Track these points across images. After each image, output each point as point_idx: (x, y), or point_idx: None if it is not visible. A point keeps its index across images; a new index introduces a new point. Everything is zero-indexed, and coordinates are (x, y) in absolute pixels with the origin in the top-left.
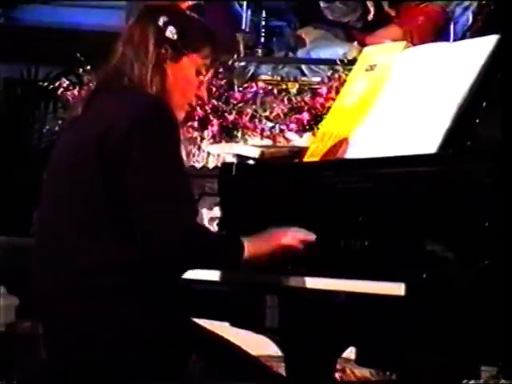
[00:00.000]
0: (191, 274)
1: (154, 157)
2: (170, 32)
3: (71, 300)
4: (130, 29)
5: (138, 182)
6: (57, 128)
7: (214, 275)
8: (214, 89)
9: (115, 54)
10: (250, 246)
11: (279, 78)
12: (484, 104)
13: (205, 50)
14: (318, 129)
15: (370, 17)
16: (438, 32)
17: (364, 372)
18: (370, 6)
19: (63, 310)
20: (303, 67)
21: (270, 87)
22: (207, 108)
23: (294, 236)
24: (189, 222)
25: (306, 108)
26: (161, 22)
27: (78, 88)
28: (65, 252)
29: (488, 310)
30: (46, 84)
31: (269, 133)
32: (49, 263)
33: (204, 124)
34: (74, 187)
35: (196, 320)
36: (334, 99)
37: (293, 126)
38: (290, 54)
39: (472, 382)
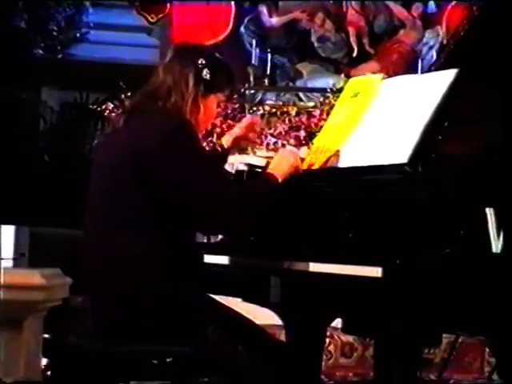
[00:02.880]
0: (212, 259)
1: (185, 155)
2: (206, 73)
3: (113, 282)
4: (172, 61)
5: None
6: None
7: (226, 260)
8: (229, 111)
9: (154, 80)
10: (276, 174)
11: (281, 103)
12: (446, 124)
13: (227, 91)
14: (312, 143)
15: (354, 54)
16: (409, 66)
17: (348, 338)
18: (354, 45)
19: (106, 289)
20: (301, 94)
21: (273, 110)
22: (224, 126)
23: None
24: (226, 192)
25: (302, 127)
26: (200, 63)
27: (120, 110)
28: (108, 245)
29: (448, 288)
30: (95, 107)
31: (273, 146)
32: (95, 253)
33: (220, 139)
34: (115, 191)
35: (214, 296)
36: (325, 120)
37: (292, 141)
38: (290, 84)
39: None
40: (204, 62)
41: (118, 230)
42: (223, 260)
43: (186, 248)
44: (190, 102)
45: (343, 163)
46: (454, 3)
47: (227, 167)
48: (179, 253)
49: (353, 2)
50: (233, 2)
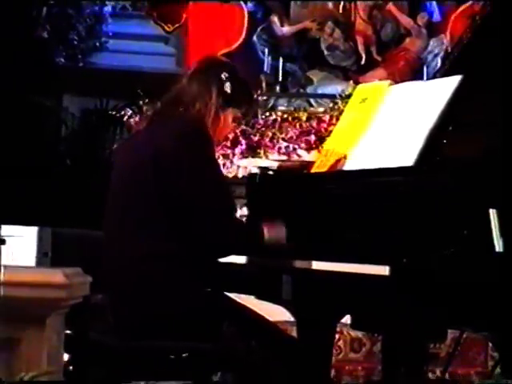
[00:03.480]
0: (227, 259)
1: (201, 165)
2: (227, 87)
3: (130, 280)
4: (197, 71)
5: (190, 186)
6: None
7: (243, 259)
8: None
9: (177, 88)
10: (269, 230)
11: (292, 109)
12: (450, 128)
13: (244, 107)
14: (322, 147)
15: (362, 62)
16: (414, 73)
17: (357, 333)
18: (362, 53)
19: (124, 287)
20: (311, 100)
21: (285, 115)
22: (237, 131)
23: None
24: (232, 216)
25: (313, 131)
26: (223, 76)
27: (138, 116)
28: (125, 243)
29: (452, 286)
30: (114, 113)
31: (284, 150)
32: (114, 251)
33: (235, 143)
34: (134, 190)
35: (230, 294)
36: (334, 124)
37: (303, 145)
38: (301, 90)
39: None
40: (227, 75)
41: (134, 229)
42: (238, 259)
43: (200, 247)
44: (212, 112)
45: (352, 166)
46: (457, 13)
47: (241, 170)
48: (193, 252)
49: (361, 12)
50: (246, 13)
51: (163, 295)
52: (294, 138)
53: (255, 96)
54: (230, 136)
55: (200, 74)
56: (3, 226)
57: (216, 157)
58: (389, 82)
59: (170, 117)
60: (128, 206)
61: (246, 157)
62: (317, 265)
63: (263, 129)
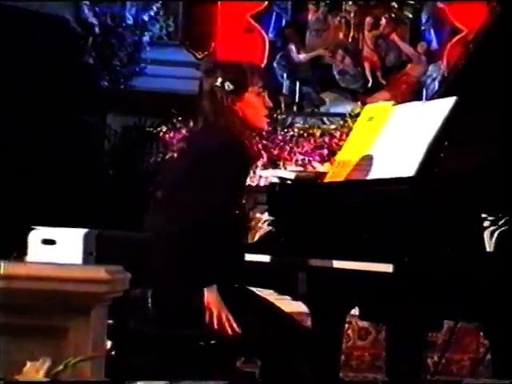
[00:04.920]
0: (250, 258)
1: (223, 178)
2: (228, 86)
3: (166, 275)
4: (202, 89)
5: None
6: (158, 159)
7: (266, 258)
8: (264, 133)
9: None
10: (210, 296)
11: (307, 126)
12: (446, 143)
13: (254, 81)
14: (334, 160)
15: (369, 85)
16: (415, 95)
17: (364, 324)
18: (369, 77)
19: (161, 283)
20: (324, 119)
21: (301, 132)
22: (260, 146)
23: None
24: (215, 214)
25: (325, 146)
26: (218, 83)
27: (172, 132)
28: (163, 236)
29: (448, 282)
30: (151, 130)
31: (301, 162)
32: (154, 246)
33: (258, 157)
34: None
35: (253, 288)
36: (344, 140)
37: (317, 158)
38: (315, 110)
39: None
40: (221, 79)
41: (173, 224)
42: (261, 258)
43: (230, 248)
44: (225, 112)
45: (359, 176)
46: (453, 42)
47: (263, 180)
48: (224, 250)
49: (368, 41)
50: (267, 41)
51: (193, 289)
52: (309, 151)
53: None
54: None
55: (204, 90)
56: (54, 228)
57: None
58: (392, 102)
59: (202, 130)
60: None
61: (267, 168)
62: (329, 263)
63: (282, 144)
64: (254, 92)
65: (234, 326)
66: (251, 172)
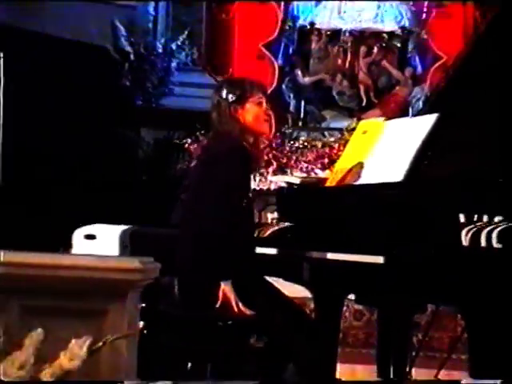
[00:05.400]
0: (262, 250)
1: (223, 178)
2: (231, 98)
3: (188, 264)
4: (211, 103)
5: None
6: (184, 166)
7: (275, 251)
8: (274, 145)
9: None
10: (225, 288)
11: (311, 139)
12: (429, 153)
13: (254, 92)
14: (333, 167)
15: (363, 104)
16: (402, 112)
17: (359, 307)
18: (363, 97)
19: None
20: (325, 133)
21: (305, 144)
22: (270, 155)
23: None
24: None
25: (326, 156)
26: (223, 95)
27: (195, 144)
28: (187, 229)
29: (431, 272)
30: (178, 141)
31: (305, 169)
32: (180, 239)
33: (268, 164)
34: (192, 194)
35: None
36: (342, 151)
37: (319, 166)
38: (317, 125)
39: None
40: (225, 91)
41: (195, 218)
42: (270, 251)
43: (242, 240)
44: (228, 120)
45: (356, 181)
46: (435, 67)
47: (273, 184)
48: (236, 242)
49: (362, 67)
50: (277, 67)
51: (212, 282)
52: (312, 160)
53: (280, 124)
54: (266, 158)
55: (212, 104)
56: (94, 225)
57: (242, 170)
58: (383, 118)
59: (211, 139)
60: (189, 204)
61: (276, 174)
62: (328, 255)
63: (289, 154)
64: (254, 102)
65: (243, 309)
66: (263, 178)
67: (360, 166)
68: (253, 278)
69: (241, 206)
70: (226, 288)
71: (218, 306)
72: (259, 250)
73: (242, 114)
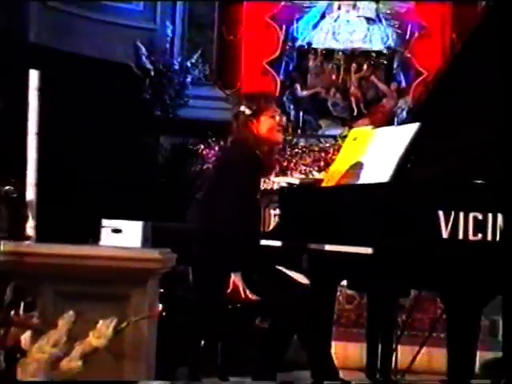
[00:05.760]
0: (266, 242)
1: (237, 182)
2: (248, 112)
3: (203, 254)
4: (232, 113)
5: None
6: (197, 169)
7: (277, 243)
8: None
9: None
10: (235, 278)
11: (309, 145)
12: (412, 157)
13: (268, 107)
14: (328, 170)
15: (354, 114)
16: (388, 122)
17: (351, 292)
18: (354, 108)
19: (202, 258)
20: (321, 139)
21: (304, 149)
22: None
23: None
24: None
25: (322, 159)
26: (242, 108)
27: (207, 149)
28: (202, 223)
29: (413, 261)
30: (192, 147)
31: (304, 172)
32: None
33: (271, 166)
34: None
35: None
36: (336, 155)
37: (316, 168)
38: (314, 133)
39: None
40: (244, 107)
41: (211, 216)
42: (273, 243)
43: (251, 235)
44: (241, 130)
45: (348, 182)
46: (417, 82)
47: (276, 184)
48: (248, 234)
49: (353, 81)
50: (279, 81)
51: (225, 267)
52: (310, 163)
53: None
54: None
55: (233, 115)
56: (120, 220)
57: (251, 176)
58: (371, 127)
59: (230, 144)
60: (205, 201)
61: (278, 175)
62: (324, 247)
63: (290, 157)
64: (268, 115)
65: (249, 296)
66: (267, 179)
67: (359, 166)
68: (259, 266)
69: (251, 206)
70: (236, 278)
71: (228, 292)
72: (264, 242)
73: (256, 125)
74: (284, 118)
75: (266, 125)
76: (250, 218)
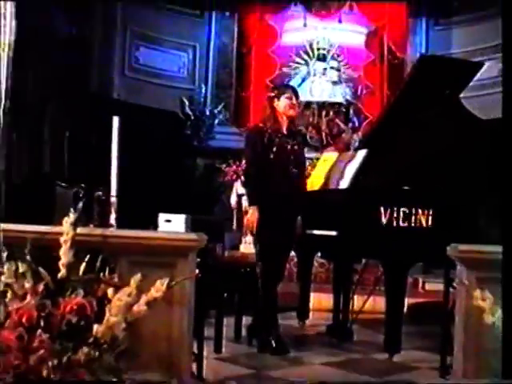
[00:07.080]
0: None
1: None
2: (272, 95)
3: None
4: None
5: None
6: (221, 180)
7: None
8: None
9: None
10: (252, 210)
11: None
12: (362, 172)
13: (285, 92)
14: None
15: (324, 143)
16: (347, 148)
17: (323, 261)
18: (324, 140)
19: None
20: None
21: None
22: None
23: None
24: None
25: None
26: (270, 93)
27: (227, 167)
28: None
29: (365, 240)
30: (218, 166)
31: None
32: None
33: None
34: None
35: None
36: (312, 171)
37: None
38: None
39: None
40: (273, 93)
41: None
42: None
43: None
44: (268, 108)
45: (319, 188)
46: (365, 123)
47: None
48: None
49: (324, 122)
50: None
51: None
52: None
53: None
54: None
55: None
56: (171, 214)
57: (254, 140)
58: (336, 152)
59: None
60: None
61: None
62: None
63: None
64: (285, 97)
65: (254, 231)
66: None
67: (328, 177)
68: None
69: (265, 161)
70: (252, 210)
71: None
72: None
73: (277, 104)
74: (296, 100)
75: (283, 103)
76: (269, 167)
